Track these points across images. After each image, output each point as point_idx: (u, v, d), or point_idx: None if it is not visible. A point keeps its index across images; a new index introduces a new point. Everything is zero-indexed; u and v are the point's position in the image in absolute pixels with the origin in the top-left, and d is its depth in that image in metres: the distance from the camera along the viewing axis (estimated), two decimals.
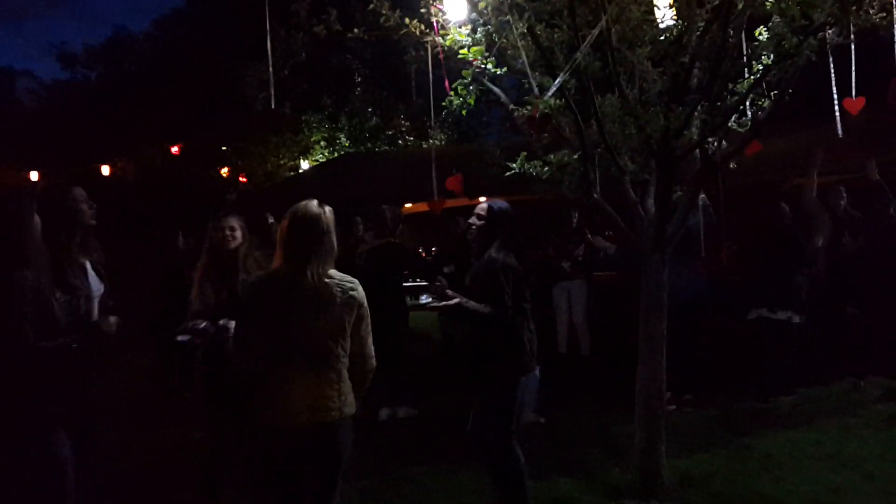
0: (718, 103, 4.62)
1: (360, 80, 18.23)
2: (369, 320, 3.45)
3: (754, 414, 6.38)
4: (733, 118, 4.89)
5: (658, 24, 4.69)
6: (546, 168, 4.63)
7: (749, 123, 4.89)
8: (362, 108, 17.06)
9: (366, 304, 3.42)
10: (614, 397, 6.37)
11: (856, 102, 5.48)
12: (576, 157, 4.65)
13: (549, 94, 4.14)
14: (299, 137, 16.55)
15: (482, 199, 11.12)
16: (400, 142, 17.57)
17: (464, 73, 4.51)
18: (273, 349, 3.25)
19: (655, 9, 4.69)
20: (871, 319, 7.26)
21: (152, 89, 19.20)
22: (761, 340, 7.04)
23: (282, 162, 16.87)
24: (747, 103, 4.87)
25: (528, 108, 4.32)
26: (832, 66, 5.24)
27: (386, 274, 6.90)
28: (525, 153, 4.67)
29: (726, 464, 5.19)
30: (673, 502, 4.58)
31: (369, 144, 16.77)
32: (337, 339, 3.31)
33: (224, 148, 17.38)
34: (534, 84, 4.38)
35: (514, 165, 4.64)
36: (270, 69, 9.88)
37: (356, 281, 3.41)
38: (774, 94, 4.75)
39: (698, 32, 4.43)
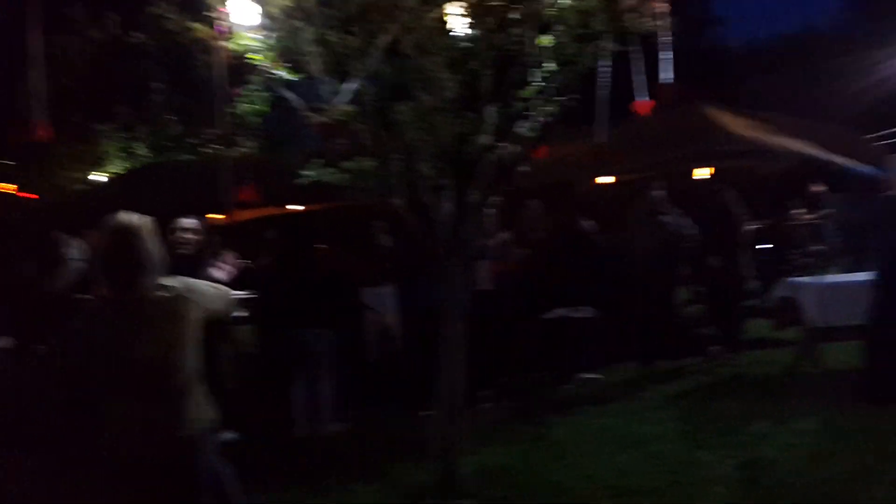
0: (507, 109, 4.81)
1: (161, 86, 17.13)
2: (207, 296, 3.33)
3: (549, 404, 6.71)
4: (523, 124, 5.09)
5: (450, 31, 4.82)
6: (344, 175, 4.63)
7: (537, 128, 5.10)
8: (161, 116, 16.11)
9: (194, 292, 3.28)
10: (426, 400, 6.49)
11: (645, 104, 5.88)
12: (374, 163, 4.68)
13: (343, 100, 4.16)
14: (92, 148, 15.52)
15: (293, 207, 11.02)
16: (208, 150, 16.80)
17: (253, 78, 4.43)
18: (108, 376, 3.09)
19: (447, 16, 4.81)
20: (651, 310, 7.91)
21: None
22: (558, 336, 7.43)
23: (75, 175, 15.74)
24: (536, 109, 5.07)
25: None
26: (611, 71, 5.56)
27: None
28: (321, 160, 4.64)
29: (522, 454, 5.44)
30: (470, 498, 4.71)
31: (170, 154, 15.90)
32: (175, 351, 3.15)
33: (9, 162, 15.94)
34: (325, 91, 4.37)
35: (309, 173, 4.61)
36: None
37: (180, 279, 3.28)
38: (559, 100, 4.98)
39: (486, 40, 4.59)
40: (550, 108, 5.03)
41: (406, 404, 6.47)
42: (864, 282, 6.44)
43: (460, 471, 4.89)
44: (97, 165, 15.72)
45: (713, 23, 30.05)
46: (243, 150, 13.33)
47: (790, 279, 7.77)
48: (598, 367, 7.63)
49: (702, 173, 12.98)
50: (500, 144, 4.93)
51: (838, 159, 11.51)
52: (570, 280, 7.37)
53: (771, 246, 11.67)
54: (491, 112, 4.78)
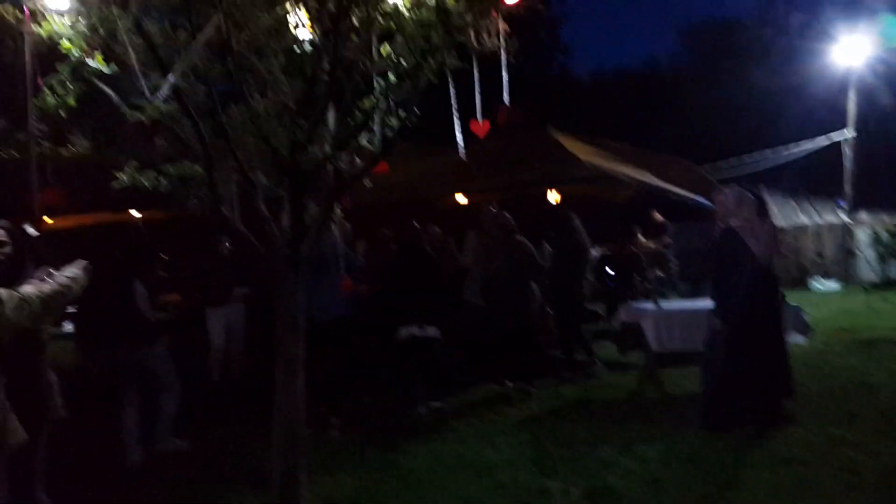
0: (346, 119, 4.51)
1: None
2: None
3: (401, 430, 6.41)
4: (365, 136, 4.81)
5: (292, 34, 4.47)
6: (164, 180, 4.16)
7: (378, 142, 4.82)
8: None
9: None
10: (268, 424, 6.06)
11: (482, 125, 5.68)
12: (199, 169, 4.24)
13: (160, 97, 3.72)
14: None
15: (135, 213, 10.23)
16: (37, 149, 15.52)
17: (59, 67, 3.90)
18: None
19: (287, 15, 4.46)
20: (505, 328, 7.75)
21: None
22: (410, 357, 7.13)
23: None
24: (377, 122, 4.79)
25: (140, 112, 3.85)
26: (452, 89, 5.31)
27: None
28: (136, 163, 4.16)
29: (371, 484, 5.11)
30: None
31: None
32: None
33: None
34: (144, 86, 3.90)
35: (123, 177, 4.11)
36: None
37: None
38: (401, 114, 4.73)
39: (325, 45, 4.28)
40: (392, 122, 4.78)
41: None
42: (702, 309, 6.56)
43: (301, 502, 4.50)
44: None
45: (562, 51, 31.13)
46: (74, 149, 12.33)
47: (633, 304, 7.85)
48: (451, 389, 7.39)
49: (552, 197, 13.25)
50: (338, 155, 4.63)
51: (675, 189, 11.95)
52: (415, 300, 7.10)
53: (613, 272, 11.97)
54: (329, 121, 4.49)
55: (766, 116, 23.35)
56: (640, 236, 15.72)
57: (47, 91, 3.96)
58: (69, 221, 10.15)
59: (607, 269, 12.43)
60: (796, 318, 7.23)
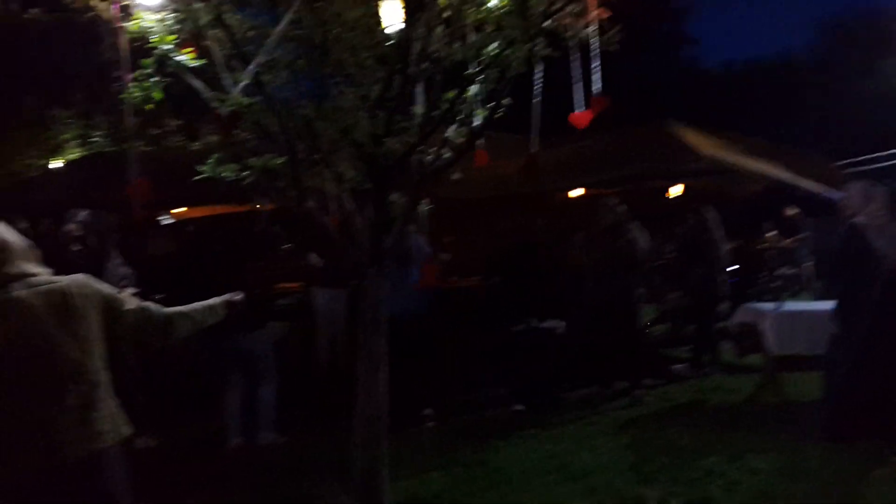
0: (433, 111, 4.38)
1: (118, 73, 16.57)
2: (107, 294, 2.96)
3: (498, 425, 6.27)
4: (453, 128, 4.68)
5: (383, 28, 4.40)
6: (246, 172, 4.16)
7: (464, 133, 4.67)
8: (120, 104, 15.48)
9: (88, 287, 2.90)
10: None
11: (582, 116, 5.41)
12: (281, 161, 4.23)
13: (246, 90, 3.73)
14: (48, 135, 14.95)
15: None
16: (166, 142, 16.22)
17: (143, 62, 3.97)
18: None
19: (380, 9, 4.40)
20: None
21: None
22: (524, 351, 6.96)
23: (28, 162, 15.15)
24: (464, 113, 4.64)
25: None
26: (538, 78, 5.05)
27: None
28: (217, 155, 4.18)
29: (456, 482, 4.99)
30: None
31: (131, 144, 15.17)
32: (81, 351, 2.79)
33: None
34: (228, 79, 3.92)
35: (204, 169, 4.15)
36: None
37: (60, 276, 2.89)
38: (490, 106, 4.56)
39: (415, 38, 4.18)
40: (481, 113, 4.62)
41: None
42: (827, 310, 6.04)
43: (386, 499, 4.43)
44: (54, 153, 15.10)
45: (688, 42, 29.95)
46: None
47: (750, 304, 7.36)
48: (557, 387, 7.16)
49: (676, 191, 12.72)
50: (424, 148, 4.53)
51: (806, 184, 11.17)
52: (532, 294, 6.93)
53: (737, 268, 11.32)
54: (415, 113, 4.38)
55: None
56: (770, 233, 14.92)
57: (134, 84, 4.04)
58: (196, 212, 10.56)
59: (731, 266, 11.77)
60: None
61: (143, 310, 3.08)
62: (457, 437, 6.04)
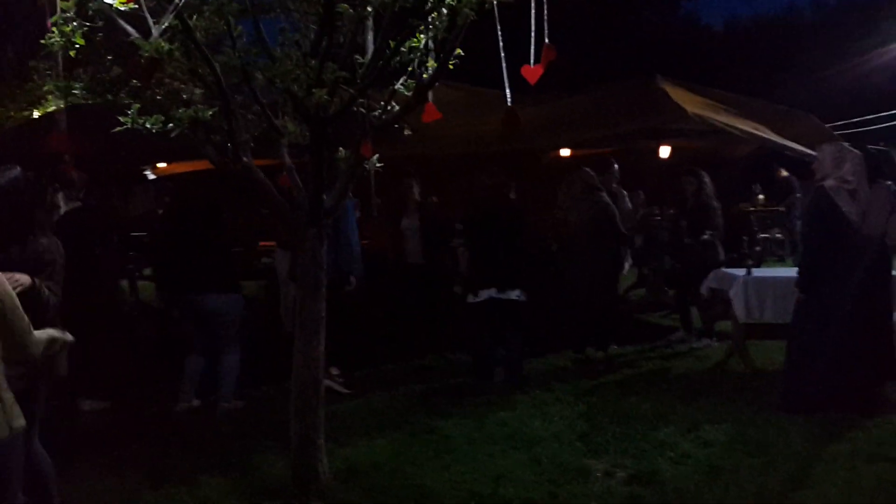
0: (379, 62, 4.14)
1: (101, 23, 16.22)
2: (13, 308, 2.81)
3: (452, 393, 6.11)
4: (402, 80, 4.44)
5: None
6: (171, 125, 3.92)
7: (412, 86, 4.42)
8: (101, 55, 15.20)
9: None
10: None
11: (534, 70, 5.13)
12: (211, 112, 3.99)
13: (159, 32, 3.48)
14: (28, 86, 14.64)
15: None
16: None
17: (62, 4, 3.71)
18: None
19: None
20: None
21: None
22: (487, 321, 6.71)
23: (11, 113, 14.87)
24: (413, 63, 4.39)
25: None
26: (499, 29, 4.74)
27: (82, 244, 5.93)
28: (138, 105, 3.94)
29: (399, 450, 4.83)
30: (324, 501, 4.14)
31: (110, 97, 14.94)
32: None
33: None
34: (151, 24, 3.66)
35: (125, 120, 3.91)
36: None
37: None
38: (441, 56, 4.31)
39: None
40: (430, 64, 4.37)
41: None
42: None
43: (321, 467, 4.30)
44: (34, 105, 14.80)
45: None
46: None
47: (721, 270, 7.17)
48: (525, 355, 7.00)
49: (664, 152, 12.45)
50: (369, 102, 4.30)
51: (796, 146, 10.90)
52: (499, 260, 6.62)
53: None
54: (360, 63, 4.14)
55: None
56: (760, 196, 14.64)
57: (54, 30, 3.79)
58: (176, 168, 10.29)
59: None
60: None
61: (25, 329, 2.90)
62: (412, 402, 5.89)
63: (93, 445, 5.04)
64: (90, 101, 4.43)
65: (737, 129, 10.38)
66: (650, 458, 4.61)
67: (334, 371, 6.27)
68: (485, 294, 6.56)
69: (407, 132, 4.84)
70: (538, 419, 5.36)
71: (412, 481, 4.36)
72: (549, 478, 4.37)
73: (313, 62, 3.77)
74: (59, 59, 4.40)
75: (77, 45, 3.77)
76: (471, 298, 6.64)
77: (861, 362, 5.31)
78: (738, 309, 6.49)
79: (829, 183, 5.29)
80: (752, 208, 13.75)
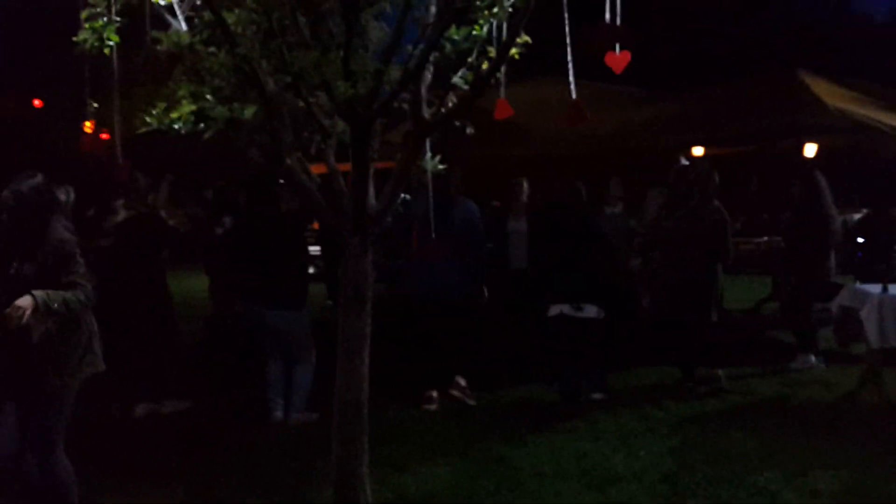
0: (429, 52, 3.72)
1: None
2: None
3: (531, 418, 5.55)
4: (459, 74, 4.00)
5: None
6: (204, 125, 3.65)
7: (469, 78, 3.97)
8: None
9: None
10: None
11: (619, 58, 4.52)
12: (251, 110, 3.69)
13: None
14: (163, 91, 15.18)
15: None
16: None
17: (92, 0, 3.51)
18: None
19: None
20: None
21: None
22: (561, 340, 6.15)
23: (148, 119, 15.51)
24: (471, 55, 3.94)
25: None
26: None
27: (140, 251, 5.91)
28: (163, 104, 3.69)
29: (459, 481, 4.38)
30: None
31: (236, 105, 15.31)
32: None
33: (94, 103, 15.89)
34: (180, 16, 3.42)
35: (150, 120, 3.68)
36: None
37: None
38: (499, 48, 3.85)
39: None
40: (491, 53, 3.91)
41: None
42: None
43: (363, 498, 3.91)
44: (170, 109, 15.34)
45: None
46: None
47: (856, 285, 6.26)
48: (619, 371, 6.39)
49: (810, 151, 11.40)
50: (410, 94, 3.88)
51: None
52: (568, 273, 6.06)
53: (862, 241, 9.93)
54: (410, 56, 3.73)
55: None
56: None
57: (86, 26, 3.59)
58: None
59: (859, 238, 10.34)
60: None
61: None
62: (489, 426, 5.40)
63: (141, 452, 4.88)
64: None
65: (884, 123, 9.30)
66: None
67: (462, 382, 5.99)
68: (556, 310, 6.05)
69: (470, 131, 4.41)
70: (622, 453, 4.76)
71: None
72: None
73: (339, 53, 3.39)
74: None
75: (111, 43, 3.56)
76: (545, 312, 6.13)
77: None
78: (871, 332, 5.61)
79: None
80: None
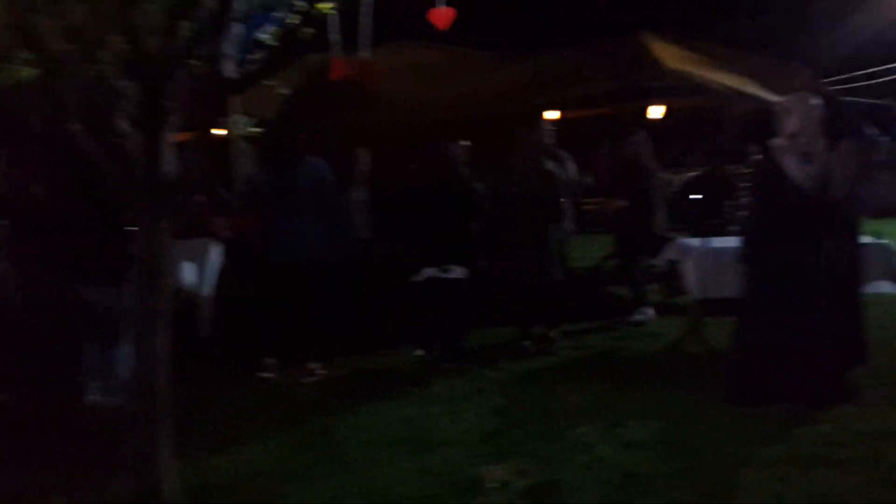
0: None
1: None
2: None
3: (373, 384, 5.49)
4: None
5: None
6: None
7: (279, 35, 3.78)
8: None
9: None
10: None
11: (443, 13, 4.45)
12: (25, 73, 3.37)
13: None
14: None
15: None
16: None
17: None
18: None
19: None
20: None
21: None
22: (427, 302, 6.12)
23: None
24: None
25: None
26: None
27: None
28: None
29: (276, 458, 4.22)
30: None
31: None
32: None
33: None
34: None
35: None
36: None
37: None
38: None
39: None
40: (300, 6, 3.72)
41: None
42: None
43: (166, 486, 3.71)
44: None
45: None
46: None
47: (681, 239, 6.49)
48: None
49: (656, 113, 11.75)
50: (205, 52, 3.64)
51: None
52: (441, 237, 6.05)
53: (699, 197, 10.35)
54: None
55: None
56: (755, 157, 13.76)
57: None
58: None
59: (693, 195, 10.78)
60: (885, 261, 5.71)
61: None
62: (321, 396, 5.29)
63: None
64: None
65: (720, 84, 9.66)
66: (558, 463, 4.00)
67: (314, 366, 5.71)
68: (427, 273, 6.06)
69: (283, 91, 4.21)
70: (448, 416, 4.75)
71: (269, 498, 3.78)
72: (432, 491, 3.76)
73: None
74: None
75: None
76: (413, 277, 6.10)
77: (821, 345, 4.64)
78: (693, 283, 5.83)
79: (775, 142, 4.60)
80: (737, 172, 12.95)
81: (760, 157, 4.84)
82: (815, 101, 4.82)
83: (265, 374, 5.60)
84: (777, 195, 4.52)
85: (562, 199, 6.50)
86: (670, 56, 10.02)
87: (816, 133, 4.60)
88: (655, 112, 11.52)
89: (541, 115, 10.87)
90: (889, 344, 5.67)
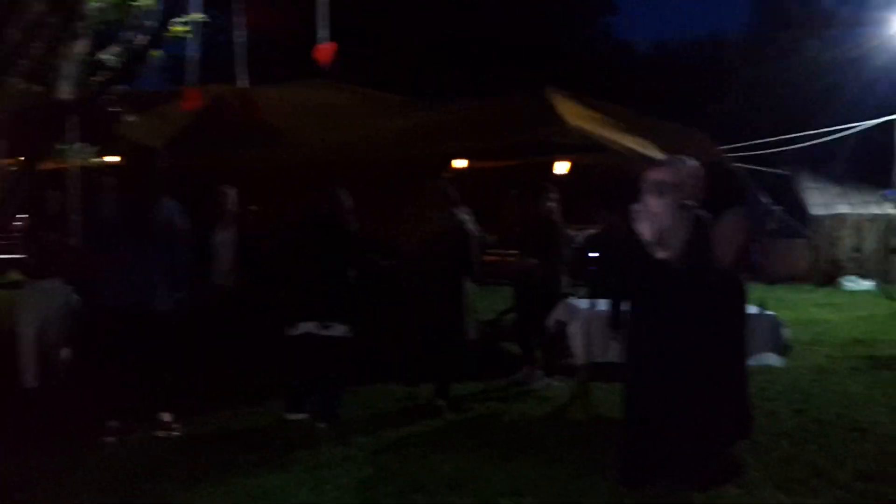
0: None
1: None
2: None
3: (232, 446, 4.99)
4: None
5: None
6: None
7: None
8: None
9: None
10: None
11: (325, 49, 4.16)
12: None
13: None
14: None
15: None
16: None
17: None
18: None
19: None
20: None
21: None
22: (303, 360, 5.66)
23: None
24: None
25: None
26: None
27: None
28: None
29: None
30: None
31: None
32: None
33: None
34: None
35: None
36: None
37: None
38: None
39: None
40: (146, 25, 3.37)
41: None
42: None
43: None
44: None
45: (608, 13, 29.03)
46: None
47: (570, 300, 6.29)
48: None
49: (562, 168, 11.78)
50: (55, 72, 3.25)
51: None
52: (322, 289, 5.62)
53: (598, 255, 10.29)
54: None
55: (818, 93, 20.88)
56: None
57: None
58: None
59: (591, 253, 10.73)
60: (771, 332, 5.63)
61: None
62: (170, 460, 4.74)
63: None
64: None
65: (616, 144, 9.68)
66: None
67: (166, 417, 5.20)
68: (303, 328, 5.59)
69: (131, 118, 3.81)
70: (307, 487, 4.31)
71: None
72: None
73: None
74: None
75: None
76: (288, 331, 5.63)
77: (704, 420, 4.43)
78: (578, 347, 5.61)
79: (635, 206, 4.47)
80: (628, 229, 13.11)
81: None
82: (692, 162, 4.73)
83: (107, 439, 5.00)
84: (636, 261, 4.37)
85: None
86: (573, 114, 10.02)
87: (662, 197, 4.43)
88: (561, 168, 11.55)
89: (449, 163, 10.82)
90: (774, 417, 5.55)
